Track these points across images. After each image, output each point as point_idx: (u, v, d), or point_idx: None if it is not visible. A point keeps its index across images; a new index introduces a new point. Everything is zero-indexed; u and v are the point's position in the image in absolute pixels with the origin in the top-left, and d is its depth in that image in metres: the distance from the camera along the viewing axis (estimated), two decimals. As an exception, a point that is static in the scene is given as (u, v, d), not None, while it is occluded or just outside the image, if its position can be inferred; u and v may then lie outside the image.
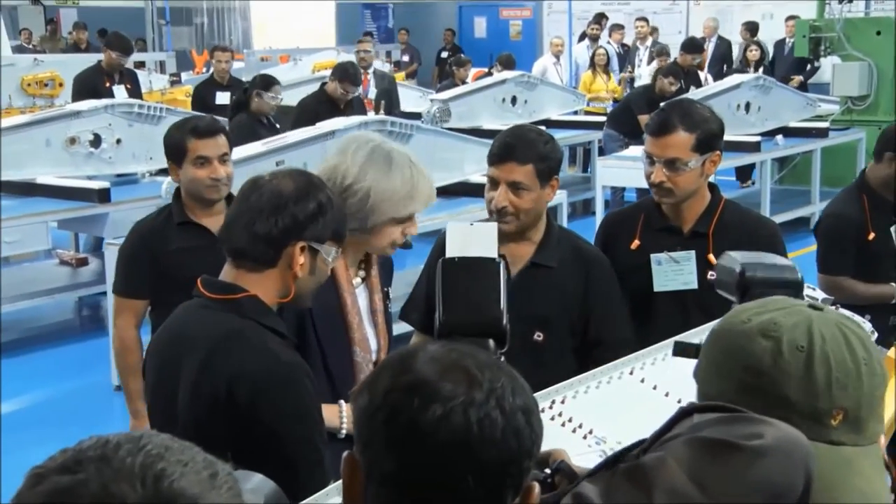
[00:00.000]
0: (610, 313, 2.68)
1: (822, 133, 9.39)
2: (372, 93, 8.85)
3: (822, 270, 3.77)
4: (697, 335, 2.33)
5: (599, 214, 8.72)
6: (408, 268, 6.36)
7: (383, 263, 2.63)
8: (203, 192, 3.23)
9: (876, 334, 3.51)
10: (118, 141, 7.02)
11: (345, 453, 1.11)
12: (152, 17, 16.71)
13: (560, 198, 7.41)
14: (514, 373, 1.11)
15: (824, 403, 1.20)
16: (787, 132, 9.34)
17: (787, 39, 12.57)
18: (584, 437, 1.93)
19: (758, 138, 8.86)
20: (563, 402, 2.02)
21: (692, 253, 2.79)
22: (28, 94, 10.40)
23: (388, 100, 9.34)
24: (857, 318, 1.33)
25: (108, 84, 8.18)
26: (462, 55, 12.10)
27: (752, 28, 13.65)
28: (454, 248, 1.66)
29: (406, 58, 16.57)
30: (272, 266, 2.02)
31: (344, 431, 2.39)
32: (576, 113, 11.21)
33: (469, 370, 1.06)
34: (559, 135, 10.78)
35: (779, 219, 9.10)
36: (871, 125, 9.61)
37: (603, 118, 10.46)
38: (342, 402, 2.42)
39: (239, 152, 6.12)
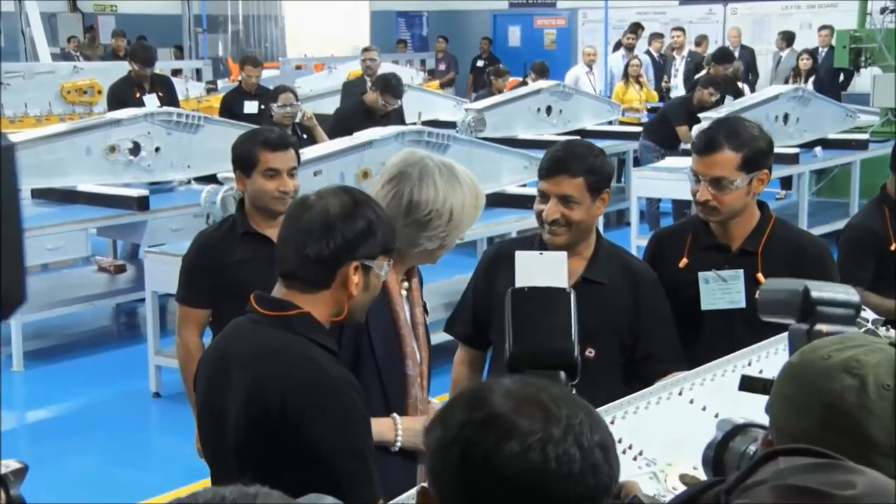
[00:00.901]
0: (660, 329, 2.67)
1: (861, 145, 9.29)
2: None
3: (840, 280, 3.74)
4: (746, 356, 2.31)
5: (634, 225, 8.67)
6: (439, 278, 6.37)
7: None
8: (270, 203, 3.27)
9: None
10: (157, 149, 7.09)
11: (418, 487, 1.11)
12: (189, 25, 16.86)
13: (596, 209, 7.39)
14: (590, 407, 1.10)
15: None
16: (826, 144, 9.24)
17: (820, 49, 12.46)
18: (635, 459, 1.91)
19: (796, 150, 8.77)
20: (612, 422, 2.00)
21: (740, 272, 2.76)
22: (67, 102, 10.53)
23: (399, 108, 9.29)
24: None
25: (137, 94, 8.25)
26: (501, 65, 12.06)
27: (788, 38, 13.55)
28: (523, 278, 1.65)
29: (443, 66, 16.59)
30: (326, 287, 2.02)
31: (398, 445, 2.38)
32: (610, 123, 11.17)
33: (545, 405, 1.05)
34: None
35: (816, 231, 9.02)
36: (911, 137, 9.50)
37: (637, 128, 10.41)
38: (396, 415, 2.42)
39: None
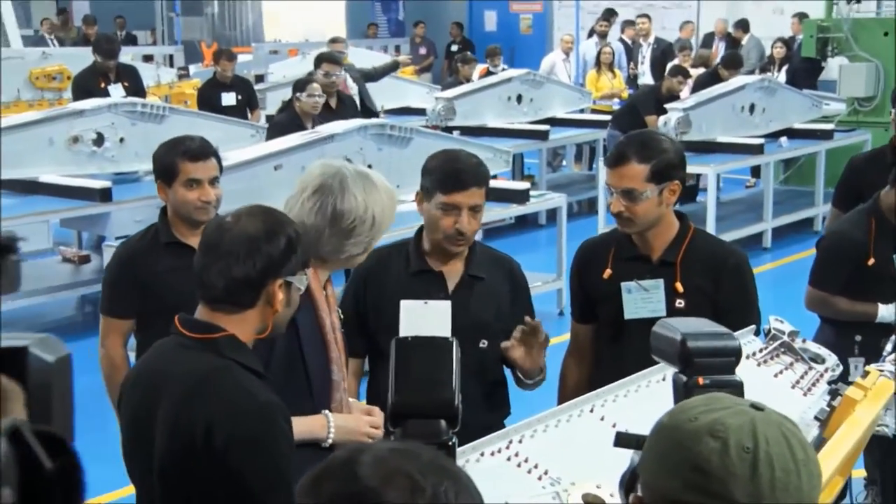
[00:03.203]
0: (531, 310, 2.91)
1: (826, 135, 9.36)
2: (353, 89, 8.80)
3: (811, 283, 3.79)
4: (661, 370, 2.35)
5: (602, 214, 8.72)
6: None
7: None
8: (192, 213, 3.26)
9: (863, 359, 3.51)
10: (121, 140, 7.07)
11: None
12: (162, 9, 16.74)
13: (559, 200, 7.43)
14: (459, 472, 1.13)
15: None
16: (793, 133, 9.31)
17: (796, 37, 12.49)
18: (539, 479, 1.95)
19: (762, 140, 8.83)
20: (520, 441, 2.04)
21: (661, 282, 2.81)
22: (36, 88, 10.47)
23: (366, 95, 9.28)
24: (791, 419, 1.34)
25: (102, 84, 8.22)
26: (468, 53, 12.05)
27: (743, 25, 13.50)
28: (408, 327, 1.67)
29: (423, 51, 16.52)
30: (251, 307, 2.06)
31: (330, 441, 2.45)
32: (582, 111, 11.19)
33: (412, 476, 1.08)
34: (565, 133, 10.80)
35: (783, 220, 9.11)
36: (877, 126, 9.57)
37: (609, 117, 10.44)
38: (327, 412, 2.48)
39: (236, 156, 6.17)
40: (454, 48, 15.57)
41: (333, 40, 9.91)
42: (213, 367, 2.00)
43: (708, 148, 8.65)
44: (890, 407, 2.81)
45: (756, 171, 10.87)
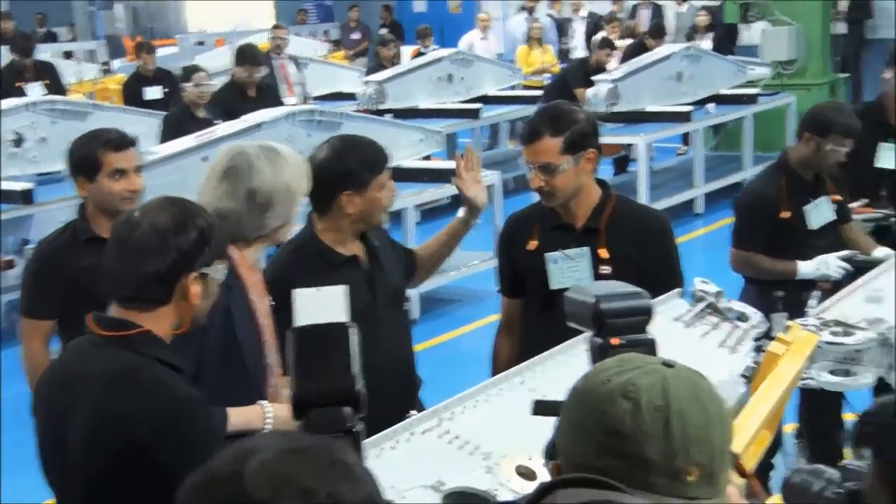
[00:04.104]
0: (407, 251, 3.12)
1: (751, 99, 9.50)
2: (295, 77, 8.73)
3: (733, 244, 3.89)
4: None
5: (537, 190, 8.75)
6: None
7: None
8: (120, 205, 3.19)
9: (785, 314, 3.59)
10: (42, 139, 6.91)
11: None
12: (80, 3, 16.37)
13: (493, 178, 7.43)
14: (355, 466, 1.08)
15: (681, 461, 1.22)
16: (720, 99, 9.42)
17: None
18: (471, 454, 1.95)
19: (689, 108, 8.93)
20: (451, 418, 2.04)
21: (585, 249, 2.84)
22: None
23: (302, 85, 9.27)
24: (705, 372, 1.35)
25: (19, 84, 8.04)
26: (386, 35, 11.96)
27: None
28: (303, 316, 1.64)
29: (357, 35, 16.38)
30: (166, 303, 2.02)
31: (267, 430, 2.41)
32: (513, 88, 11.20)
33: (303, 483, 1.04)
34: (497, 110, 10.81)
35: (713, 186, 9.23)
36: (800, 89, 9.75)
37: (541, 92, 10.46)
38: (264, 402, 2.46)
39: (165, 149, 6.07)
40: (383, 31, 15.46)
41: (275, 27, 9.83)
42: (130, 364, 1.96)
43: (637, 118, 8.72)
44: (816, 359, 2.88)
45: (687, 139, 11.01)
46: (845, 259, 3.68)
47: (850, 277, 3.58)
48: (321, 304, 1.65)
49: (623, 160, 10.14)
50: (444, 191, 7.55)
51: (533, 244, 2.89)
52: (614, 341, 1.63)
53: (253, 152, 2.56)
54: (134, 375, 1.96)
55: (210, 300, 2.10)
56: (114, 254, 2.02)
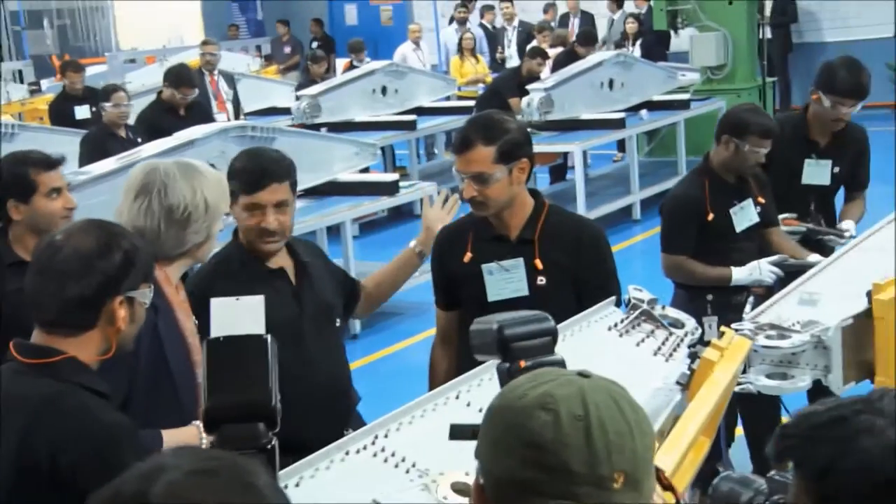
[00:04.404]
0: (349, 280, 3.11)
1: (683, 105, 9.63)
2: (227, 94, 8.63)
3: (664, 249, 3.92)
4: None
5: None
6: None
7: None
8: (59, 224, 3.13)
9: (716, 317, 3.60)
10: (-32, 163, 6.73)
11: None
12: (5, 23, 16.01)
13: (430, 189, 7.42)
14: (264, 488, 1.05)
15: (605, 469, 1.21)
16: (652, 106, 9.54)
17: (645, 12, 12.78)
18: (407, 472, 1.92)
19: (623, 115, 9.02)
20: (386, 436, 2.01)
21: (520, 260, 2.82)
22: None
23: (236, 101, 9.20)
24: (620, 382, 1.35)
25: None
26: (318, 51, 11.89)
27: (618, 0, 13.82)
28: (219, 327, 1.60)
29: (288, 50, 16.26)
30: (91, 328, 1.97)
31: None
32: (448, 98, 11.22)
33: None
34: (433, 122, 10.81)
35: (649, 192, 9.32)
36: (730, 93, 9.90)
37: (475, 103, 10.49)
38: (199, 423, 2.40)
39: (93, 170, 5.94)
40: (314, 45, 15.39)
41: (205, 42, 9.71)
42: (53, 392, 1.91)
43: (572, 126, 8.79)
44: (752, 363, 2.90)
45: (622, 146, 11.13)
46: (776, 264, 3.72)
47: (780, 282, 3.63)
48: (238, 315, 1.61)
49: (560, 168, 10.21)
50: (380, 203, 7.53)
51: (468, 256, 2.87)
52: (522, 363, 1.61)
53: (167, 169, 2.52)
54: (58, 403, 1.91)
55: (137, 324, 2.06)
56: (36, 278, 1.97)
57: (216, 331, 1.60)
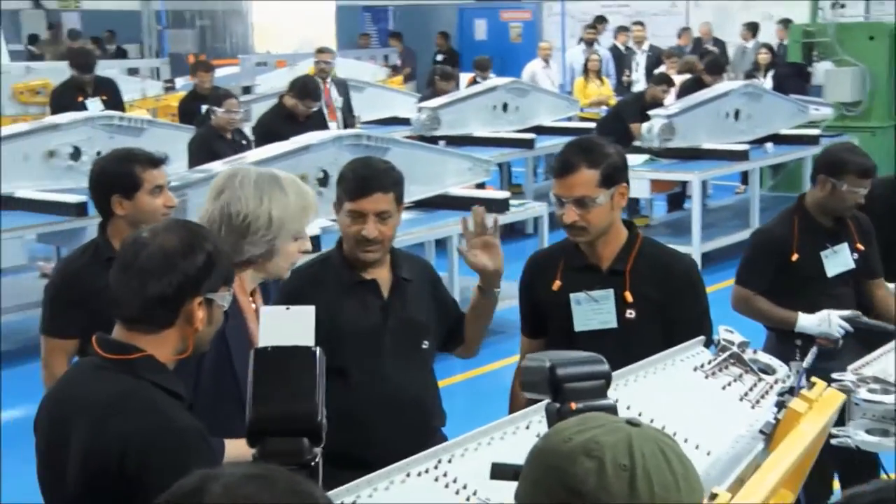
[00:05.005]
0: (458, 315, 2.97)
1: (812, 140, 9.30)
2: (337, 102, 8.75)
3: (737, 281, 3.82)
4: (619, 377, 2.27)
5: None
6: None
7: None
8: (158, 221, 3.23)
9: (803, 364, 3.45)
10: (98, 153, 7.01)
11: None
12: (148, 22, 16.72)
13: (540, 209, 7.37)
14: (318, 498, 1.06)
15: None
16: (779, 139, 9.25)
17: (783, 42, 12.44)
18: (468, 499, 1.89)
19: (746, 146, 8.77)
20: (450, 461, 1.97)
21: (610, 292, 2.76)
22: (20, 102, 10.43)
23: (348, 108, 9.29)
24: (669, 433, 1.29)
25: (80, 98, 8.19)
26: (448, 68, 11.92)
27: (753, 28, 13.51)
28: (268, 336, 1.58)
29: (399, 62, 16.48)
30: (170, 326, 1.99)
31: None
32: (570, 119, 11.13)
33: None
34: (551, 142, 10.69)
35: (769, 227, 9.02)
36: (864, 131, 9.53)
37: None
38: None
39: (214, 168, 6.11)
40: (439, 58, 15.51)
41: (320, 50, 9.89)
42: (128, 389, 1.93)
43: (692, 154, 8.59)
44: (852, 417, 2.75)
45: (746, 178, 10.83)
46: (847, 319, 3.52)
47: (851, 338, 3.45)
48: (288, 325, 1.59)
49: (678, 197, 10.00)
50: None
51: (557, 284, 2.83)
52: (573, 405, 1.56)
53: (246, 175, 2.54)
54: (131, 400, 1.93)
55: (214, 326, 2.07)
56: (120, 274, 2.00)
57: (264, 340, 1.58)
